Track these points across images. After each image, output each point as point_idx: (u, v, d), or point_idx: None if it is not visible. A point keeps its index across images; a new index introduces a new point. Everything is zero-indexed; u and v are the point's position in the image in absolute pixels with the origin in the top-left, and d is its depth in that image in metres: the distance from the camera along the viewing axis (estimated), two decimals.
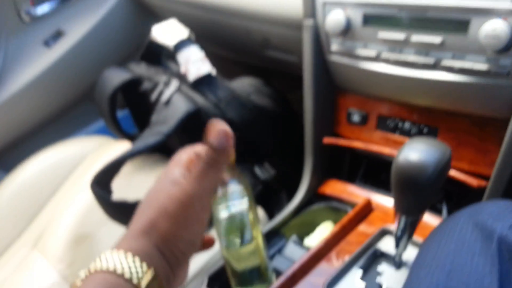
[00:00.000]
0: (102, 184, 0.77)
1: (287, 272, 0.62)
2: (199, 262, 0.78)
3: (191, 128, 0.94)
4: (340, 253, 0.66)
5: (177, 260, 0.46)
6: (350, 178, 0.83)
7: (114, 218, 0.79)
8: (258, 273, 0.60)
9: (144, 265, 0.43)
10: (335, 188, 0.81)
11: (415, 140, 0.50)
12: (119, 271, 0.41)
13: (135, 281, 0.42)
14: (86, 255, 0.90)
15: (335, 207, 0.79)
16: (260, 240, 0.58)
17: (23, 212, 1.04)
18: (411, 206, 0.52)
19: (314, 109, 0.78)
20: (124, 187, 0.96)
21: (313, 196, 0.82)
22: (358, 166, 0.83)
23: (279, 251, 0.74)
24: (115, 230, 0.84)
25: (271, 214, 0.88)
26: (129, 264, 0.42)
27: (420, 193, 0.49)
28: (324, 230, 0.77)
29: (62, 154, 1.12)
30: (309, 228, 0.81)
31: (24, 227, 1.03)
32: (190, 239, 0.47)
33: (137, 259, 0.42)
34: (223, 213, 0.56)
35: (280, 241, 0.76)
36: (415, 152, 0.48)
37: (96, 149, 1.12)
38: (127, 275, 0.41)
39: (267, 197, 0.95)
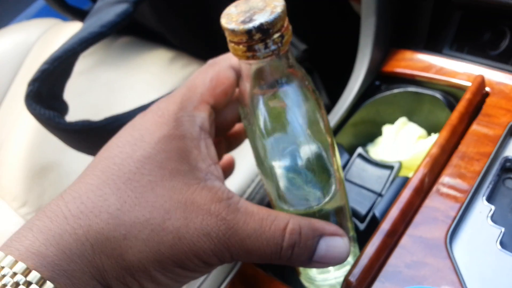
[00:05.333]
0: (45, 97, 0.48)
1: (383, 227, 0.36)
2: None
3: None
4: (454, 177, 0.40)
5: None
6: (431, 45, 0.53)
7: (74, 146, 0.51)
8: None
9: None
10: (409, 62, 0.53)
11: None
12: None
13: None
14: (52, 193, 0.64)
15: (413, 93, 0.51)
16: (342, 176, 0.32)
17: None
18: None
19: None
20: (84, 94, 0.66)
21: (375, 78, 0.54)
22: (445, 24, 0.53)
23: None
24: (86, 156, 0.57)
25: None
26: None
27: None
28: (406, 134, 0.50)
29: None
30: (371, 130, 0.54)
31: None
32: (181, 262, 0.28)
33: (48, 285, 0.25)
34: (278, 160, 0.28)
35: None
36: None
37: (42, 38, 0.80)
38: None
39: None
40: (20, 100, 0.74)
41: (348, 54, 0.59)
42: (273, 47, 0.26)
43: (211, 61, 0.34)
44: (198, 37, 0.70)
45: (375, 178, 0.46)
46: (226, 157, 0.39)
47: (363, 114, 0.53)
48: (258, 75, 0.28)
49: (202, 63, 0.67)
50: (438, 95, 0.50)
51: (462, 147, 0.42)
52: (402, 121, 0.52)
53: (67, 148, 0.56)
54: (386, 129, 0.52)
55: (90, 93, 0.66)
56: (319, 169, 0.29)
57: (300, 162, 0.29)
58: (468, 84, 0.47)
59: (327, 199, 0.30)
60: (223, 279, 0.38)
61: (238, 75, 0.34)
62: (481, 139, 0.42)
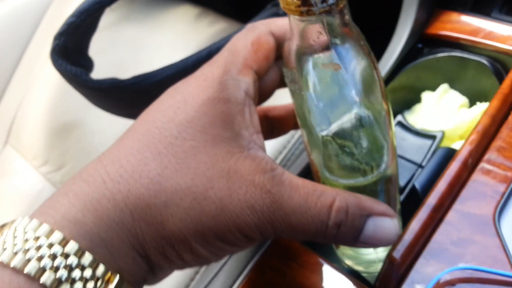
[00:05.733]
0: (71, 52, 0.45)
1: (429, 201, 0.34)
2: None
3: None
4: (503, 150, 0.38)
5: (172, 265, 0.27)
6: (479, 7, 0.50)
7: (100, 105, 0.49)
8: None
9: (101, 269, 0.24)
10: (455, 24, 0.49)
11: None
12: (42, 279, 0.22)
13: None
14: (75, 152, 0.63)
15: (458, 58, 0.48)
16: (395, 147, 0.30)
17: None
18: None
19: None
20: (107, 51, 0.64)
21: (418, 41, 0.51)
22: None
23: None
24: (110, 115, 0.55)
25: None
26: (67, 263, 0.23)
27: None
28: (447, 102, 0.48)
29: (16, 5, 0.76)
30: (408, 96, 0.51)
31: None
32: (221, 232, 0.26)
33: (87, 257, 0.24)
34: (329, 128, 0.26)
35: None
36: None
37: None
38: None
39: None
40: (41, 54, 0.72)
41: (386, 15, 0.56)
42: (331, 1, 0.23)
43: (249, 26, 0.33)
44: None
45: (415, 148, 0.43)
46: None
47: (403, 79, 0.50)
48: (309, 34, 0.25)
49: (229, 21, 0.64)
50: (484, 61, 0.47)
51: None
52: (444, 88, 0.49)
53: (91, 105, 0.54)
54: (426, 96, 0.49)
55: (113, 50, 0.64)
56: (373, 139, 0.27)
57: (354, 131, 0.26)
58: None
59: (379, 171, 0.28)
60: (257, 249, 0.37)
61: (278, 41, 0.32)
62: None
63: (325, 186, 0.27)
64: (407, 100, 0.51)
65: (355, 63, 0.25)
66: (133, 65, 0.62)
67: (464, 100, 0.48)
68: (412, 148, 0.44)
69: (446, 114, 0.47)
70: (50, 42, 0.73)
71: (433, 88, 0.50)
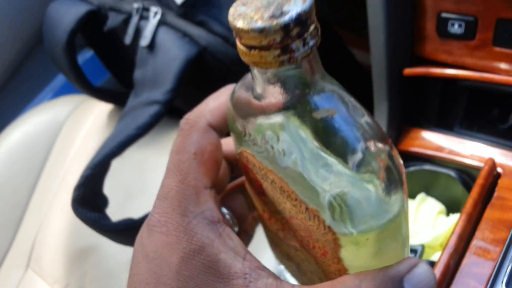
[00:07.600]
0: (89, 199, 0.52)
1: None
2: None
3: (196, 75, 0.66)
4: (473, 265, 0.43)
5: None
6: (443, 123, 0.57)
7: (117, 241, 0.55)
8: None
9: None
10: (423, 141, 0.56)
11: None
12: None
13: None
14: (93, 276, 0.68)
15: (429, 170, 0.54)
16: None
17: (3, 217, 0.80)
18: None
19: (388, 21, 0.50)
20: (117, 176, 0.70)
21: None
22: (454, 104, 0.56)
23: None
24: None
25: None
26: None
27: None
28: (426, 210, 0.53)
29: (29, 132, 0.84)
30: None
31: (11, 236, 0.79)
32: None
33: None
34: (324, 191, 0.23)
35: None
36: None
37: (71, 117, 0.85)
38: None
39: None
40: (55, 179, 0.79)
41: None
42: (312, 42, 0.21)
43: (184, 124, 0.27)
44: None
45: None
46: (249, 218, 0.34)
47: None
48: (287, 84, 0.22)
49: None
50: (452, 173, 0.53)
51: (478, 234, 0.44)
52: (421, 197, 0.55)
53: None
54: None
55: (122, 174, 0.70)
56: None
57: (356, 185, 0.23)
58: (480, 164, 0.50)
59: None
60: None
61: (219, 131, 0.28)
62: (496, 224, 0.45)
63: (343, 280, 0.25)
64: None
65: (347, 104, 0.23)
66: (141, 188, 0.68)
67: (440, 207, 0.54)
68: None
69: (425, 222, 0.53)
70: (64, 166, 0.79)
71: (410, 196, 0.56)
